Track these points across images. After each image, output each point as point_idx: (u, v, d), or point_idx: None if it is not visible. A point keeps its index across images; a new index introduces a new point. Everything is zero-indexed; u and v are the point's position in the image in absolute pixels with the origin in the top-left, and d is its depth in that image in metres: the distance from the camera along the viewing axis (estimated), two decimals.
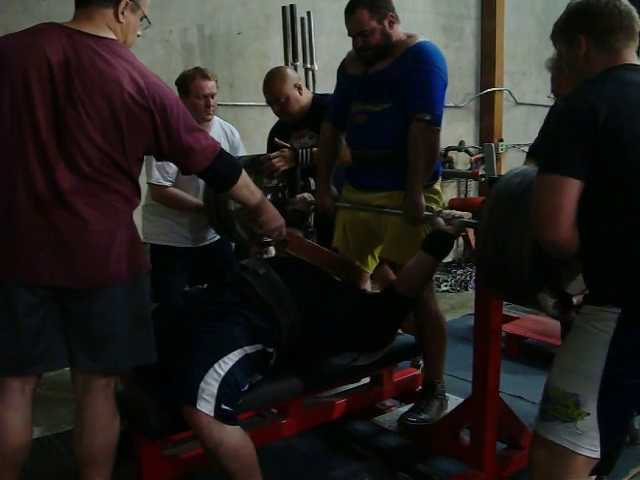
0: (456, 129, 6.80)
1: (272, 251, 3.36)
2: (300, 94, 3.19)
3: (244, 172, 2.23)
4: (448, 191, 6.81)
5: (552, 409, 1.69)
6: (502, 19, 6.79)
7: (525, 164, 2.59)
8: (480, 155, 6.19)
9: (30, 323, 1.92)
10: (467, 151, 6.59)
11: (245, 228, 2.96)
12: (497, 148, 5.75)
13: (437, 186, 2.79)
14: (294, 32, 4.96)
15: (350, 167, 2.88)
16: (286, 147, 3.05)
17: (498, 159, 5.85)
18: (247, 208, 2.43)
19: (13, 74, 1.84)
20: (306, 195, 2.95)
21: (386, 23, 2.58)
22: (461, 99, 6.81)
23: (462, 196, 6.86)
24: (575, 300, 1.85)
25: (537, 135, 2.65)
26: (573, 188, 1.57)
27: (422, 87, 2.53)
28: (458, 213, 2.47)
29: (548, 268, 1.82)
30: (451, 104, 6.65)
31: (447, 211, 2.50)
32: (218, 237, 3.32)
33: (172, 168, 3.04)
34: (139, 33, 2.07)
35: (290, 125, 3.25)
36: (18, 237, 1.89)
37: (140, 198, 2.10)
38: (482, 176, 5.43)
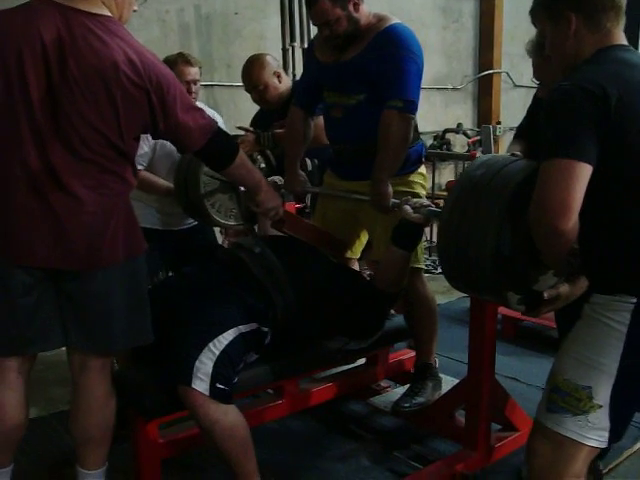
0: (454, 111, 6.77)
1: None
2: (279, 82, 3.16)
3: (241, 151, 2.21)
4: (446, 173, 6.80)
5: (562, 401, 1.63)
6: (501, 0, 6.71)
7: (512, 145, 2.54)
8: (478, 137, 6.20)
9: (25, 303, 1.92)
10: (465, 133, 6.58)
11: (217, 211, 2.94)
12: (495, 130, 5.72)
13: (422, 169, 2.75)
14: (292, 12, 4.91)
15: (332, 157, 2.82)
16: (248, 131, 3.01)
17: (496, 141, 5.83)
18: (245, 187, 2.42)
19: (6, 53, 1.81)
20: (276, 178, 2.90)
21: (351, 8, 2.44)
22: (459, 81, 6.77)
23: None
24: (546, 295, 1.73)
25: (525, 115, 2.63)
26: (585, 173, 1.48)
27: (395, 74, 2.41)
28: (426, 202, 2.36)
29: (513, 265, 1.73)
30: (449, 86, 6.62)
31: (415, 199, 2.37)
32: None
33: (144, 150, 2.96)
34: (135, 8, 2.04)
35: (271, 114, 3.19)
36: (14, 218, 1.88)
37: (137, 179, 2.08)
38: None
